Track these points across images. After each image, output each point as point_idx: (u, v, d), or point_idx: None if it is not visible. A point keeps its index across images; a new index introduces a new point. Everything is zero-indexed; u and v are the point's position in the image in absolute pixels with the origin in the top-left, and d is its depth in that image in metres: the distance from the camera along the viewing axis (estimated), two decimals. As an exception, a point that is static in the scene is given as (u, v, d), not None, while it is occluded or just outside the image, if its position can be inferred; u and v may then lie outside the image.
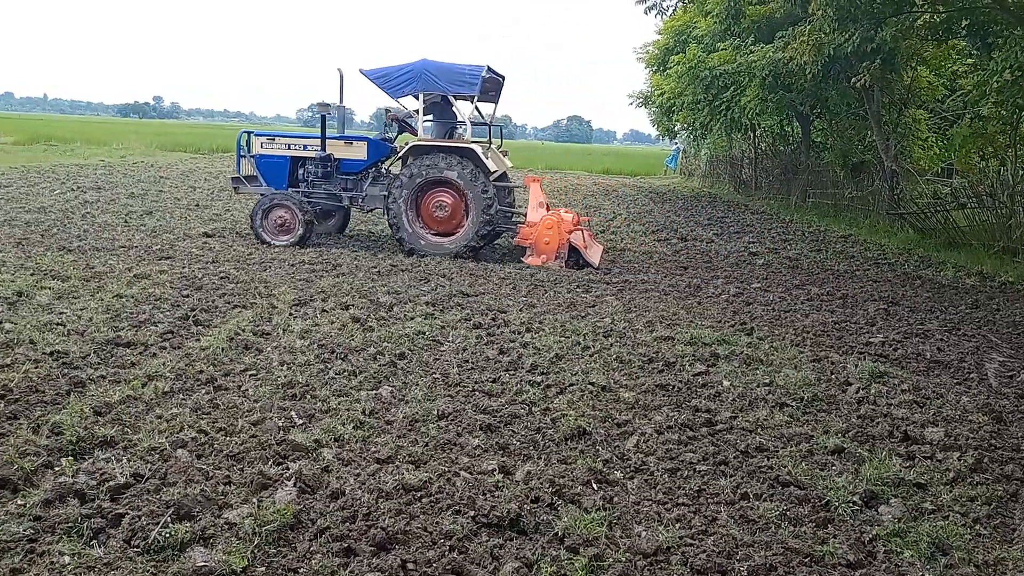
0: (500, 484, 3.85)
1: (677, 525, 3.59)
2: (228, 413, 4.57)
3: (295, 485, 3.70)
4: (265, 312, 6.96)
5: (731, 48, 18.91)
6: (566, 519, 3.54)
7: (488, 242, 11.19)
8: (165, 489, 3.58)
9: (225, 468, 3.86)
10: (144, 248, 9.83)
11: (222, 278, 8.30)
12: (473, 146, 10.59)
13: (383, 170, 11.53)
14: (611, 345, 6.54)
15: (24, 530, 3.17)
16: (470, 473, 3.97)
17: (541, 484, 3.88)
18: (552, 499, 3.74)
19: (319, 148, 11.20)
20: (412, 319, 7.02)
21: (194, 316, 6.64)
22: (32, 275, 7.75)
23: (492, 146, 11.67)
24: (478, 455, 4.23)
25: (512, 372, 5.71)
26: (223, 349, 5.78)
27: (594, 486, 3.93)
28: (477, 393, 5.22)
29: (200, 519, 3.32)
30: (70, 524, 3.22)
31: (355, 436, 4.35)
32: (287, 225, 10.79)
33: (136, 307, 6.82)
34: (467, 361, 5.92)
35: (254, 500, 3.55)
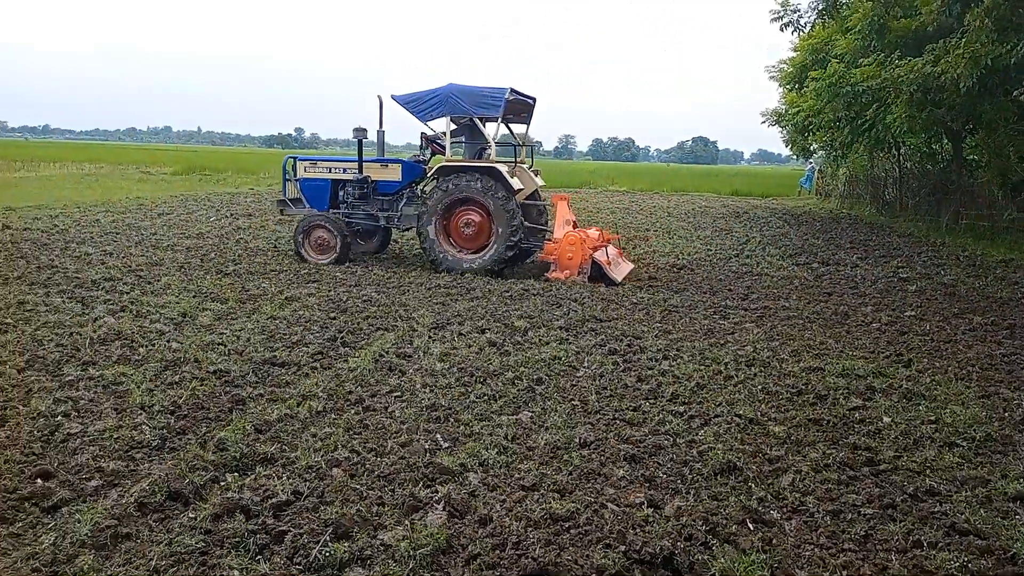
0: (650, 519, 3.74)
1: (844, 573, 3.35)
2: (378, 434, 4.69)
3: (444, 509, 3.73)
4: (406, 335, 7.15)
5: (875, 63, 17.95)
6: (723, 560, 3.38)
7: (520, 259, 11.38)
8: (323, 508, 3.70)
9: (378, 489, 3.95)
10: (293, 272, 10.36)
11: (364, 301, 8.61)
12: (497, 165, 10.80)
13: (417, 191, 11.82)
14: (755, 375, 6.27)
15: (196, 543, 3.35)
16: (617, 505, 3.88)
17: (693, 521, 3.73)
18: (706, 537, 3.58)
19: (356, 171, 11.67)
20: (547, 344, 7.01)
21: (342, 338, 6.91)
22: (194, 297, 8.32)
23: (524, 165, 11.87)
24: (624, 487, 4.13)
25: (652, 401, 5.57)
26: (369, 370, 5.97)
27: (750, 526, 3.74)
28: (618, 422, 5.12)
29: (358, 539, 3.40)
30: (237, 539, 3.38)
31: (499, 461, 4.36)
32: (326, 244, 11.27)
33: (289, 328, 7.18)
34: (605, 388, 5.83)
35: (406, 522, 3.60)
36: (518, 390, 5.65)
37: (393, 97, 11.19)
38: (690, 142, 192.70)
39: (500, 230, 10.68)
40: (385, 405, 5.25)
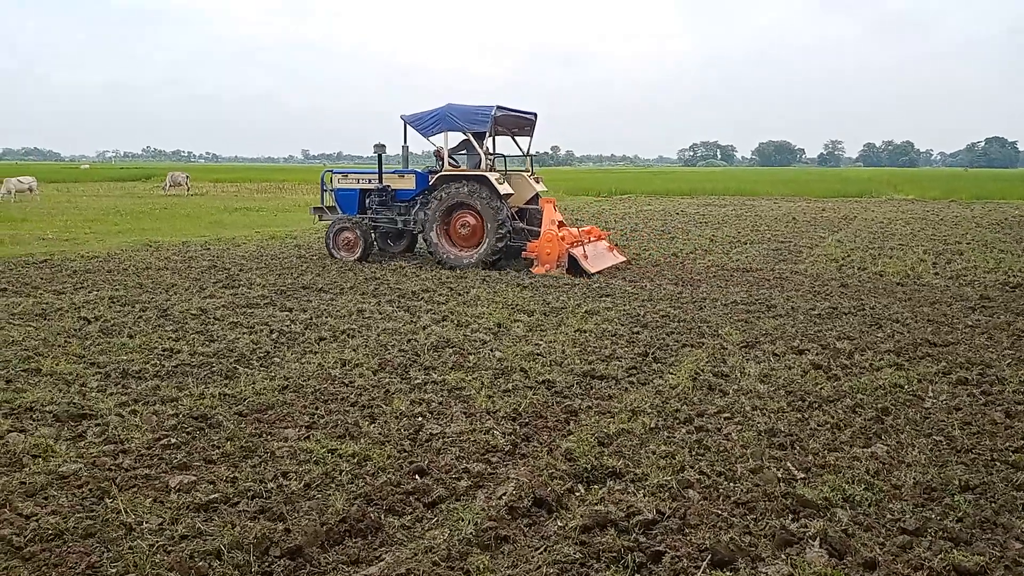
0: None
1: None
2: (721, 457, 4.50)
3: (822, 547, 3.44)
4: (717, 353, 6.90)
5: None
6: None
7: (506, 256, 12.50)
8: (689, 531, 3.59)
9: (740, 516, 3.76)
10: (584, 285, 10.55)
11: (663, 316, 8.50)
12: (488, 174, 12.10)
13: (428, 198, 12.78)
14: None
15: (574, 553, 3.39)
16: (1033, 564, 3.33)
17: None
18: None
19: (378, 181, 13.18)
20: (879, 369, 6.38)
21: (653, 353, 6.84)
22: (502, 309, 8.75)
23: (526, 174, 13.29)
24: (1030, 542, 3.54)
25: (1033, 442, 4.79)
26: (690, 388, 5.82)
27: None
28: (998, 463, 4.46)
29: (740, 570, 3.24)
30: (614, 554, 3.36)
31: (866, 498, 3.96)
32: (351, 244, 12.91)
33: (597, 341, 7.26)
34: (968, 423, 5.13)
35: (783, 556, 3.37)
36: (864, 420, 5.16)
37: (401, 116, 12.73)
38: (983, 143, 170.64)
39: (490, 230, 11.97)
40: (718, 426, 5.05)
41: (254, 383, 5.74)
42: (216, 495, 3.86)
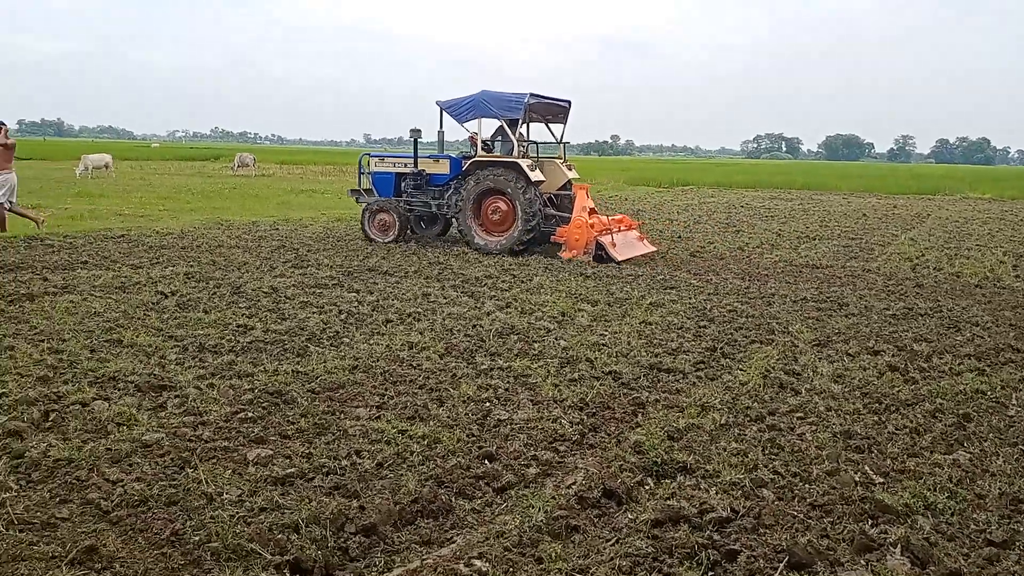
0: None
1: None
2: (795, 457, 4.40)
3: (903, 554, 3.34)
4: (788, 350, 6.75)
5: None
6: None
7: (538, 242, 12.56)
8: (763, 531, 3.52)
9: (816, 518, 3.67)
10: (649, 277, 10.45)
11: (730, 311, 8.35)
12: (519, 161, 12.25)
13: (460, 183, 12.87)
14: None
15: (646, 547, 3.36)
16: None
17: None
18: None
19: (414, 166, 13.34)
20: (959, 374, 6.16)
21: (721, 349, 6.73)
22: (565, 298, 8.72)
23: (558, 161, 13.33)
24: None
25: None
26: (760, 386, 5.71)
27: None
28: (1091, 478, 4.25)
29: (819, 573, 3.17)
30: (687, 550, 3.32)
31: (949, 507, 3.83)
32: (387, 225, 13.12)
33: (664, 334, 7.18)
34: (1057, 434, 4.91)
35: (862, 561, 3.28)
36: (944, 425, 4.98)
37: (437, 102, 12.83)
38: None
39: (520, 215, 12.01)
40: (791, 426, 4.94)
41: (325, 362, 5.84)
42: (292, 470, 3.94)
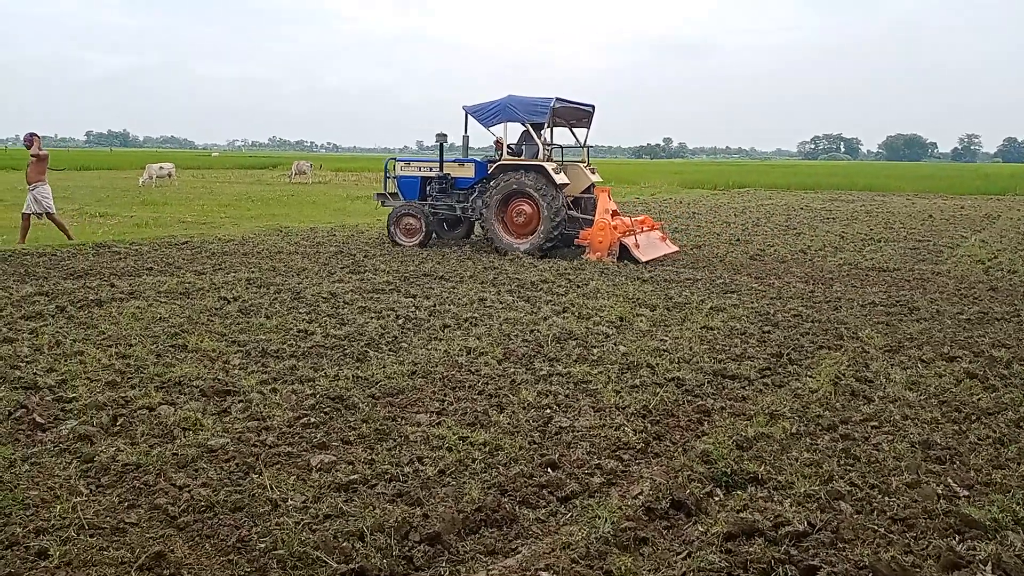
0: None
1: None
2: (872, 468, 4.21)
3: (994, 572, 3.14)
4: (858, 356, 6.51)
5: None
6: None
7: (562, 244, 12.69)
8: (844, 546, 3.36)
9: (898, 533, 3.49)
10: (708, 281, 10.23)
11: (795, 316, 8.11)
12: (545, 164, 12.30)
13: (486, 185, 12.94)
14: None
15: (719, 561, 3.23)
16: None
17: None
18: None
19: (439, 170, 13.51)
20: (1044, 382, 5.84)
21: (787, 355, 6.52)
22: (623, 302, 8.58)
23: (581, 164, 13.49)
24: None
25: None
26: (831, 393, 5.50)
27: None
28: None
29: (906, 593, 3.00)
30: (763, 565, 3.18)
31: (1042, 524, 3.60)
32: (413, 229, 13.16)
33: (727, 340, 6.99)
34: None
35: (951, 581, 3.10)
36: (1032, 436, 4.72)
37: (463, 107, 13.05)
38: None
39: (545, 218, 12.09)
40: (865, 435, 4.73)
41: (384, 367, 5.84)
42: (355, 476, 3.92)
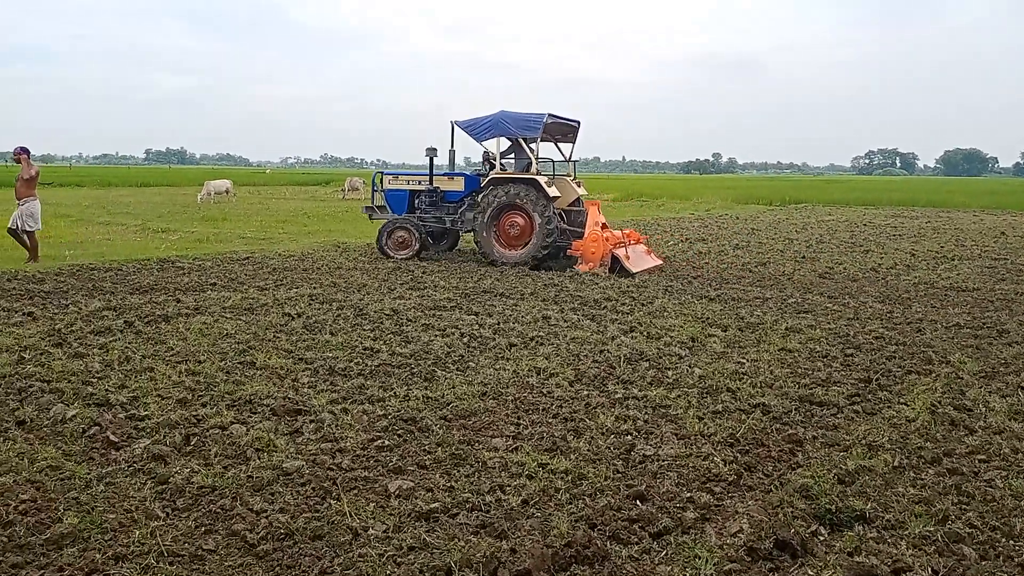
0: None
1: None
2: (990, 507, 3.87)
3: None
4: (952, 383, 6.12)
5: None
6: None
7: (553, 255, 12.88)
8: (974, 597, 3.06)
9: (1032, 584, 3.17)
10: (778, 300, 9.87)
11: (876, 338, 7.72)
12: (537, 177, 12.64)
13: (476, 199, 13.17)
14: None
15: (837, 609, 2.96)
16: None
17: None
18: None
19: (428, 183, 13.66)
20: None
21: (876, 380, 6.18)
22: (692, 321, 8.29)
23: (568, 178, 13.79)
24: None
25: None
26: (930, 423, 5.15)
27: None
28: None
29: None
30: (887, 616, 2.90)
31: None
32: (405, 242, 13.28)
33: (809, 363, 6.67)
34: None
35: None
36: None
37: (454, 122, 13.29)
38: None
39: (538, 230, 12.40)
40: (974, 469, 4.39)
41: (454, 387, 5.67)
42: (436, 504, 3.74)
